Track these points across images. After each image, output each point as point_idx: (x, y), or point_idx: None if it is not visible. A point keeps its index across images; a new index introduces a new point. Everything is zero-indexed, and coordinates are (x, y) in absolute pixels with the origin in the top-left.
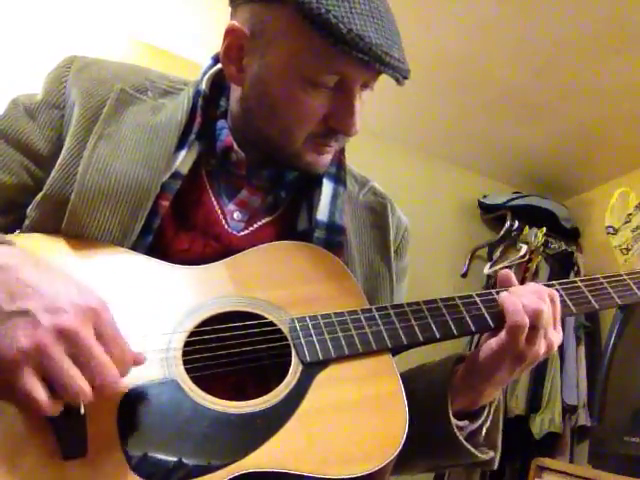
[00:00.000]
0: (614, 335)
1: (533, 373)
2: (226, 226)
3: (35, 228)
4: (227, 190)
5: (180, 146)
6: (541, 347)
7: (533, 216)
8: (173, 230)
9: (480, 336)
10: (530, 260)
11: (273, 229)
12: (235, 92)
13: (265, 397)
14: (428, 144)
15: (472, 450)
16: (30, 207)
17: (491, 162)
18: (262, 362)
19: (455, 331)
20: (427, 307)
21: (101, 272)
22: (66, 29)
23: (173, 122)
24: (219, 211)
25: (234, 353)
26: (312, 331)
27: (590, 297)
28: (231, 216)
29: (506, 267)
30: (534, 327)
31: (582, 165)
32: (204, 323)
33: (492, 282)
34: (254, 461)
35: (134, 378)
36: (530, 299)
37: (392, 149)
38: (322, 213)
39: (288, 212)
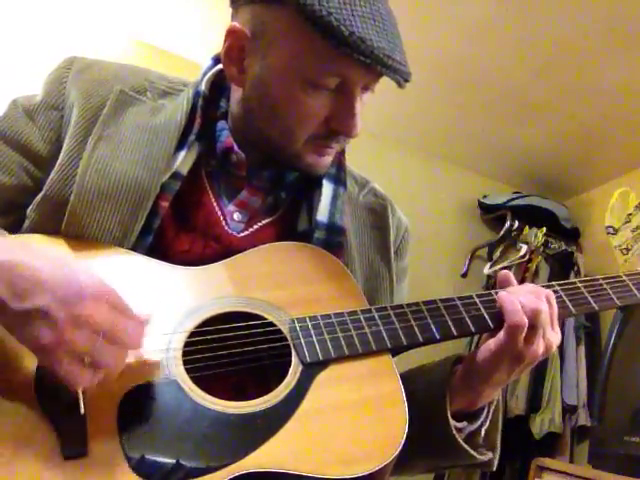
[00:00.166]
0: (614, 335)
1: (533, 373)
2: (226, 227)
3: (35, 229)
4: (227, 191)
5: (180, 147)
6: (540, 347)
7: (533, 216)
8: (173, 231)
9: (480, 337)
10: (530, 260)
11: (273, 230)
12: (236, 93)
13: (265, 397)
14: (428, 144)
15: (470, 451)
16: (30, 208)
17: (491, 162)
18: (262, 362)
19: (455, 332)
20: (427, 308)
21: (101, 272)
22: (66, 29)
23: (173, 123)
24: (219, 212)
25: (234, 353)
26: (312, 331)
27: (590, 298)
28: (231, 217)
29: (506, 267)
30: (533, 327)
31: (582, 165)
32: (204, 323)
33: (492, 282)
34: (254, 461)
35: (134, 378)
36: (528, 299)
37: (392, 149)
38: (322, 214)
39: (288, 213)
